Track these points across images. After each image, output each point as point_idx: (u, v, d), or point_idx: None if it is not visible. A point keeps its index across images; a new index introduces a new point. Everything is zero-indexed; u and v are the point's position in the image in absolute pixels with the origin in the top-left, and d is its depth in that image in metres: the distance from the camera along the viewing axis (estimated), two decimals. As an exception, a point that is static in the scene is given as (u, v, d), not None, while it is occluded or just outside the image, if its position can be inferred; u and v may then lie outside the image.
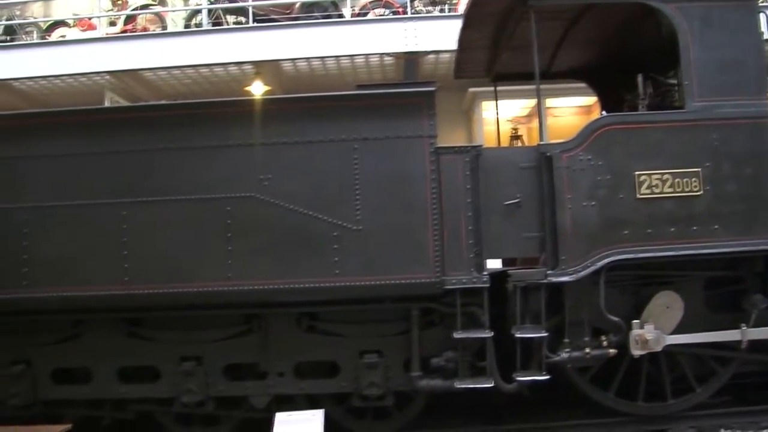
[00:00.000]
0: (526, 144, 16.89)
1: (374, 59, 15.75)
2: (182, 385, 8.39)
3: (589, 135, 8.16)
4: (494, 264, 9.00)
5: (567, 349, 8.24)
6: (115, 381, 8.54)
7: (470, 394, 8.40)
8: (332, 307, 8.29)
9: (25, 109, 14.82)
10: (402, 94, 8.25)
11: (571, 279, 8.06)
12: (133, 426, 9.07)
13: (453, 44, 10.33)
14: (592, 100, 15.67)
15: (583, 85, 11.42)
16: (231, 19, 16.51)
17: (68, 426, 7.66)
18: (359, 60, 15.77)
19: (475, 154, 8.21)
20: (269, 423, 7.56)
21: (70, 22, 17.61)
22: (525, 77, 9.98)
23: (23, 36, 17.59)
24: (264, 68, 15.49)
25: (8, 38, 17.25)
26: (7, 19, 18.00)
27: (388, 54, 15.23)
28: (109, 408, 8.73)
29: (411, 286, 7.95)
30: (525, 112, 17.71)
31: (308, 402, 8.54)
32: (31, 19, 18.30)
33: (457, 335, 8.03)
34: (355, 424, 8.77)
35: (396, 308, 8.28)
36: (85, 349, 8.54)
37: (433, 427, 8.91)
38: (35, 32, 17.62)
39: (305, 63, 15.76)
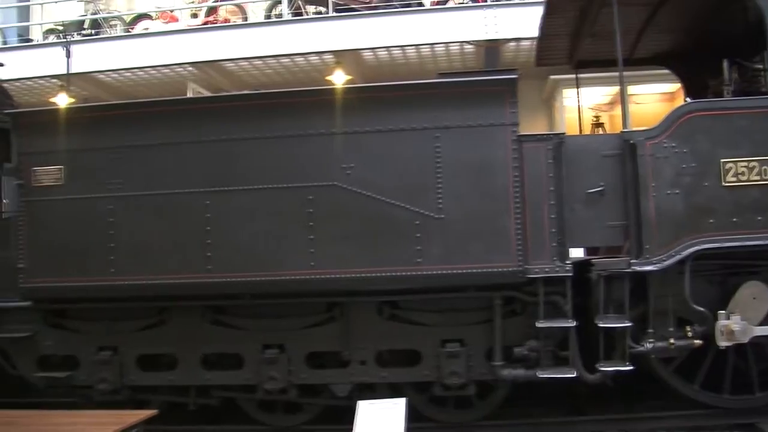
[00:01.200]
0: (608, 132, 17.06)
1: (454, 47, 16.07)
2: (265, 372, 8.84)
3: (673, 122, 8.36)
4: (577, 253, 9.32)
5: (651, 340, 8.41)
6: (199, 368, 9.06)
7: (552, 384, 8.69)
8: (414, 295, 8.64)
9: (108, 100, 15.56)
10: (484, 82, 8.55)
11: (655, 268, 8.26)
12: (217, 412, 9.59)
13: (534, 31, 10.60)
14: (675, 86, 15.75)
15: (666, 71, 11.59)
16: (311, 9, 16.98)
17: (154, 411, 8.09)
18: (439, 48, 16.11)
19: (557, 141, 8.46)
20: (351, 411, 7.93)
21: (153, 14, 18.37)
22: (607, 64, 10.16)
23: (108, 29, 18.42)
24: (344, 58, 15.91)
25: (93, 32, 18.08)
26: (92, 13, 18.82)
27: (468, 42, 15.52)
28: (193, 394, 9.27)
29: (493, 274, 8.26)
30: (607, 99, 17.86)
31: (390, 390, 8.92)
32: (116, 13, 19.12)
33: (539, 324, 8.31)
34: (436, 413, 9.12)
35: (478, 297, 8.59)
36: (170, 336, 9.07)
37: (514, 417, 9.20)
38: (119, 25, 18.43)
39: (385, 52, 16.15)
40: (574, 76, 11.61)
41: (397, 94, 8.59)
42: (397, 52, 16.15)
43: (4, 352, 9.65)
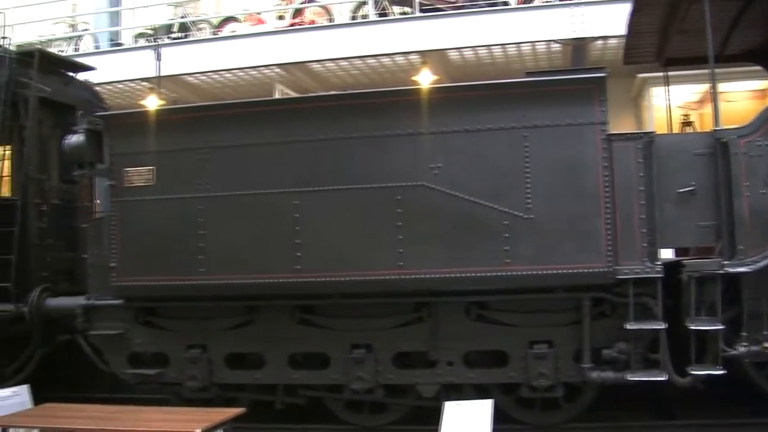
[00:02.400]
0: (698, 130, 17.02)
1: (541, 46, 16.22)
2: (352, 372, 9.14)
3: (767, 119, 8.44)
4: (667, 254, 9.42)
5: (744, 343, 8.45)
6: (286, 367, 9.41)
7: (640, 387, 8.81)
8: (502, 296, 8.82)
9: (197, 102, 16.08)
10: (572, 81, 8.71)
11: (749, 270, 8.31)
12: (304, 411, 9.92)
13: (622, 29, 10.70)
14: (766, 83, 15.68)
15: (757, 68, 11.55)
16: (397, 9, 17.28)
17: (242, 410, 8.44)
18: (525, 48, 16.26)
19: (647, 140, 8.57)
20: (437, 412, 8.16)
21: (240, 17, 18.93)
22: (697, 61, 10.21)
23: (196, 32, 19.04)
24: (430, 58, 16.14)
25: (182, 35, 18.72)
26: (181, 17, 19.48)
27: (555, 41, 15.65)
28: (280, 393, 9.62)
29: (582, 275, 8.41)
30: (696, 97, 17.79)
31: (476, 391, 9.13)
32: (203, 16, 19.75)
33: (629, 326, 8.42)
34: (523, 415, 9.28)
35: (567, 298, 8.76)
36: (258, 335, 9.45)
37: (601, 421, 9.32)
38: (207, 28, 19.04)
39: (471, 52, 16.36)
40: (662, 74, 11.65)
41: (484, 93, 8.80)
42: (483, 51, 16.34)
43: (97, 349, 10.14)
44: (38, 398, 9.58)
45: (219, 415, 7.95)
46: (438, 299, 8.96)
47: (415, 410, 9.51)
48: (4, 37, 11.99)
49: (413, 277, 8.59)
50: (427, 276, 8.57)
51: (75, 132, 10.24)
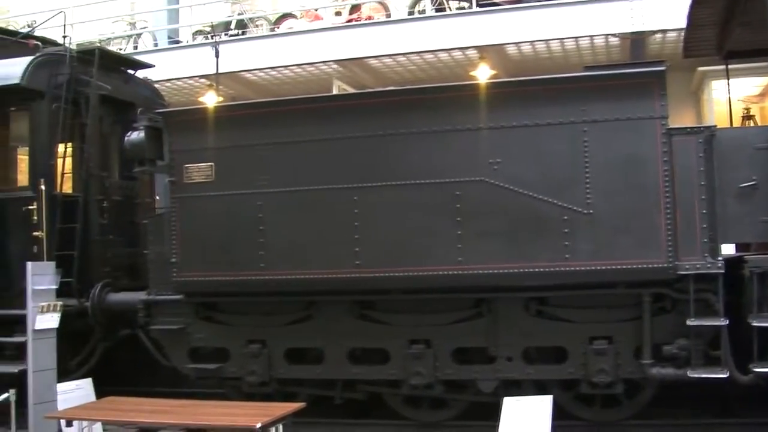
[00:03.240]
0: (759, 124, 16.87)
1: (599, 40, 16.17)
2: (411, 367, 9.26)
3: (830, 112, 8.44)
4: (728, 249, 9.38)
5: None
6: (345, 362, 9.56)
7: (701, 385, 8.72)
8: (561, 291, 8.88)
9: (255, 99, 16.27)
10: (632, 75, 8.73)
11: None
12: (363, 407, 10.10)
13: (681, 22, 10.66)
14: (828, 76, 15.51)
15: (821, 60, 11.43)
16: (454, 4, 17.35)
17: (302, 404, 8.59)
18: (584, 42, 16.22)
19: (708, 134, 8.56)
20: (496, 407, 8.28)
21: (298, 13, 19.16)
22: (758, 54, 10.23)
23: (253, 29, 19.30)
24: (488, 52, 16.19)
25: (239, 32, 18.99)
26: (238, 14, 19.75)
27: (613, 34, 15.61)
28: (339, 388, 9.79)
29: (642, 271, 8.44)
30: (757, 90, 17.61)
31: (535, 387, 9.23)
32: (261, 13, 20.01)
33: (690, 322, 8.41)
34: (582, 411, 9.36)
35: (627, 293, 8.79)
36: (317, 330, 9.62)
37: (660, 418, 9.37)
38: (264, 25, 19.29)
39: (529, 46, 16.38)
40: (723, 67, 11.58)
41: (544, 88, 8.85)
42: (541, 45, 16.35)
43: (157, 343, 10.37)
44: (100, 392, 9.88)
45: (279, 410, 8.08)
46: (497, 295, 9.03)
47: (474, 406, 9.60)
48: (64, 36, 12.28)
49: (472, 272, 8.68)
50: (487, 271, 8.66)
51: (136, 129, 10.47)
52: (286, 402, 9.05)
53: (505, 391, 9.04)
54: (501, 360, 9.16)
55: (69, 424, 9.10)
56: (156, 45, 20.17)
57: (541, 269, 8.55)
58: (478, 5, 16.22)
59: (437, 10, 17.05)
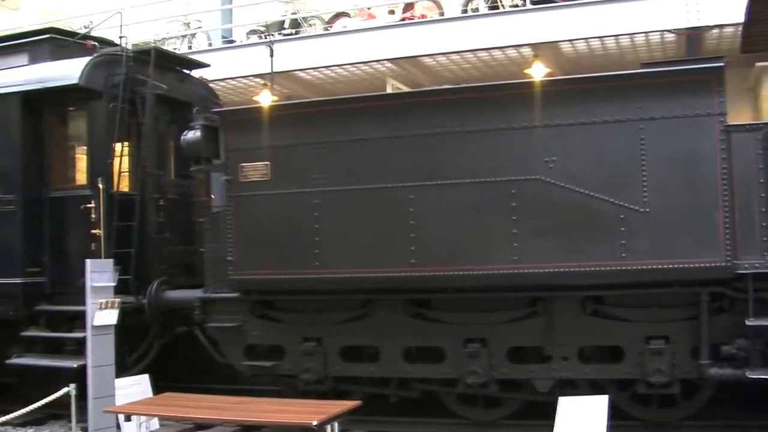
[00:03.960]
0: (818, 121, 16.62)
1: (654, 36, 16.06)
2: (466, 366, 9.31)
3: None
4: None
5: None
6: (400, 360, 9.65)
7: (760, 385, 8.62)
8: (618, 290, 8.88)
9: (309, 98, 16.47)
10: (690, 71, 8.70)
11: None
12: (417, 405, 10.14)
13: (739, 17, 10.54)
14: None
15: None
16: (507, 2, 17.35)
17: (357, 402, 8.70)
18: (639, 38, 16.11)
19: (767, 131, 8.52)
20: (552, 407, 8.32)
21: (351, 12, 19.31)
22: (819, 49, 10.03)
23: (307, 28, 19.49)
24: (542, 50, 16.17)
25: (293, 31, 19.18)
26: (292, 13, 19.96)
27: (669, 30, 15.50)
28: (394, 386, 9.89)
29: (700, 270, 8.40)
30: (817, 85, 17.40)
31: (591, 387, 9.24)
32: (315, 12, 20.19)
33: (749, 322, 8.36)
34: (639, 412, 9.33)
35: (684, 293, 8.75)
36: (372, 328, 9.71)
37: (718, 419, 9.29)
38: (318, 24, 19.46)
39: (584, 43, 16.31)
40: (782, 62, 11.46)
41: (600, 85, 8.86)
42: (595, 42, 16.28)
43: (213, 340, 10.54)
44: (157, 388, 10.10)
45: (335, 408, 8.20)
46: (553, 294, 9.07)
47: (529, 405, 9.64)
48: (121, 37, 12.49)
49: (528, 271, 8.73)
50: (542, 270, 8.70)
51: (192, 128, 10.64)
52: (340, 400, 9.20)
53: (561, 390, 9.09)
54: (557, 359, 9.18)
55: (127, 418, 9.32)
56: (210, 45, 20.41)
57: (597, 268, 8.56)
58: (532, 2, 16.19)
59: (491, 8, 17.04)
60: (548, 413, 8.46)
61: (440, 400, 9.90)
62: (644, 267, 8.47)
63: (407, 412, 10.20)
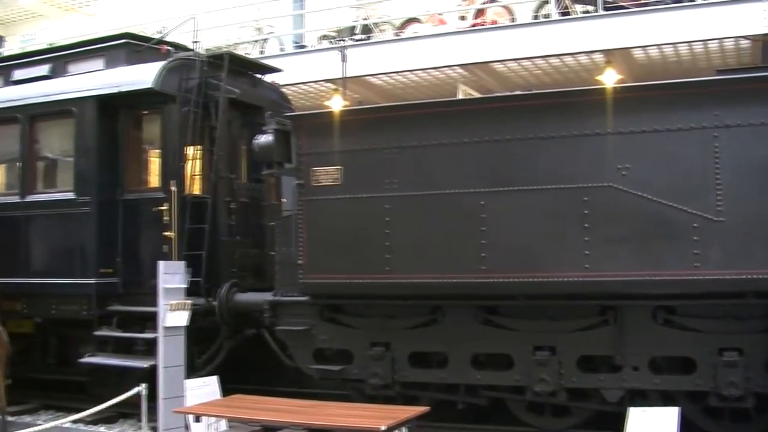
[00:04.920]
0: None
1: (729, 43, 15.91)
2: (535, 374, 9.33)
3: None
4: None
5: None
6: (469, 367, 9.70)
7: None
8: (690, 300, 8.84)
9: (380, 103, 16.63)
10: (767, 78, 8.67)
11: None
12: (485, 412, 10.20)
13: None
14: None
15: None
16: (579, 8, 17.32)
17: (426, 408, 8.78)
18: (713, 45, 15.99)
19: None
20: (621, 417, 8.31)
21: (422, 18, 19.44)
22: None
23: (378, 34, 19.66)
24: (614, 57, 16.08)
25: (365, 36, 19.37)
26: (363, 18, 20.17)
27: (744, 37, 15.35)
28: (462, 393, 9.93)
29: (776, 281, 8.32)
30: None
31: (662, 398, 9.16)
32: (386, 17, 20.37)
33: None
34: (711, 425, 9.23)
35: (759, 304, 8.67)
36: (441, 334, 9.77)
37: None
38: (389, 29, 19.63)
39: (657, 50, 16.20)
40: None
41: (674, 92, 8.85)
42: (668, 49, 16.15)
43: (282, 343, 10.70)
44: (225, 389, 10.29)
45: (403, 413, 8.29)
46: (624, 302, 9.05)
47: (598, 415, 9.62)
48: (195, 42, 12.73)
49: (599, 279, 8.74)
50: (614, 279, 8.70)
51: (264, 132, 10.82)
52: (407, 405, 9.33)
53: (631, 401, 9.04)
54: (627, 369, 9.14)
55: (197, 419, 9.50)
56: (282, 50, 20.66)
57: (670, 277, 8.53)
58: (604, 9, 16.13)
59: (562, 14, 17.03)
60: (617, 424, 8.47)
61: (508, 408, 9.93)
62: (718, 277, 8.43)
63: (474, 419, 10.24)
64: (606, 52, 15.68)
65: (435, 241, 9.34)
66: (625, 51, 15.87)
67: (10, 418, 11.21)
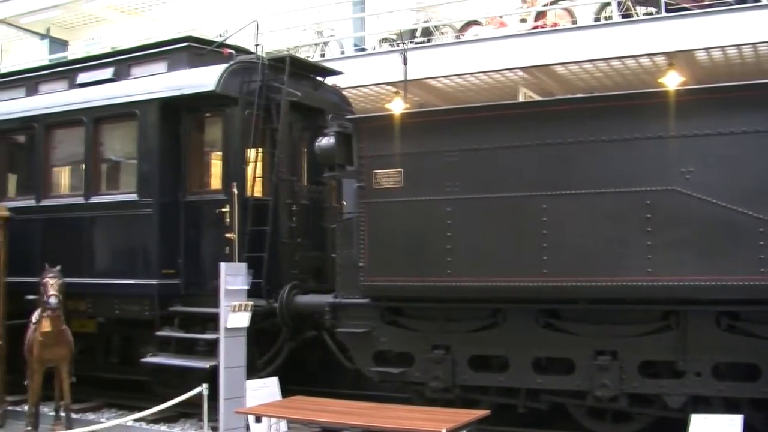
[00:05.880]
0: None
1: (794, 45, 15.86)
2: (596, 379, 9.32)
3: None
4: None
5: None
6: (529, 371, 9.73)
7: None
8: (755, 306, 8.75)
9: (440, 106, 16.73)
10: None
11: None
12: (544, 416, 10.23)
13: None
14: None
15: None
16: (641, 9, 17.29)
17: (486, 412, 8.86)
18: (777, 46, 15.94)
19: None
20: (683, 424, 8.30)
21: (483, 20, 19.53)
22: None
23: (439, 36, 19.79)
24: (677, 59, 16.04)
25: (425, 39, 19.51)
26: (424, 21, 20.31)
27: (812, 38, 15.25)
28: (522, 397, 9.96)
29: None
30: None
31: (725, 405, 9.13)
32: (446, 20, 20.50)
33: None
34: (776, 433, 9.19)
35: (826, 312, 8.59)
36: (502, 337, 9.83)
37: None
38: (450, 32, 19.76)
39: (720, 52, 16.13)
40: None
41: (738, 95, 8.81)
42: (732, 51, 16.07)
43: (342, 346, 10.83)
44: (285, 391, 10.44)
45: (465, 416, 8.37)
46: (687, 308, 9.01)
47: (660, 421, 9.60)
48: (257, 45, 12.91)
49: (662, 284, 8.72)
50: (677, 283, 8.67)
51: (325, 135, 10.96)
52: (467, 409, 9.39)
53: (693, 407, 8.99)
54: (689, 375, 9.10)
55: (258, 420, 9.65)
56: (342, 53, 20.84)
57: (734, 282, 8.48)
58: (666, 11, 16.07)
59: (624, 16, 17.00)
60: (680, 430, 8.45)
61: (568, 413, 9.95)
62: (785, 283, 8.32)
63: (534, 423, 10.30)
64: (668, 54, 15.63)
65: (496, 244, 9.42)
66: (688, 53, 15.80)
67: (74, 416, 11.47)
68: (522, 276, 9.27)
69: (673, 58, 15.91)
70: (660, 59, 16.30)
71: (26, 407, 11.63)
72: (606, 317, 9.37)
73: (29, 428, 11.20)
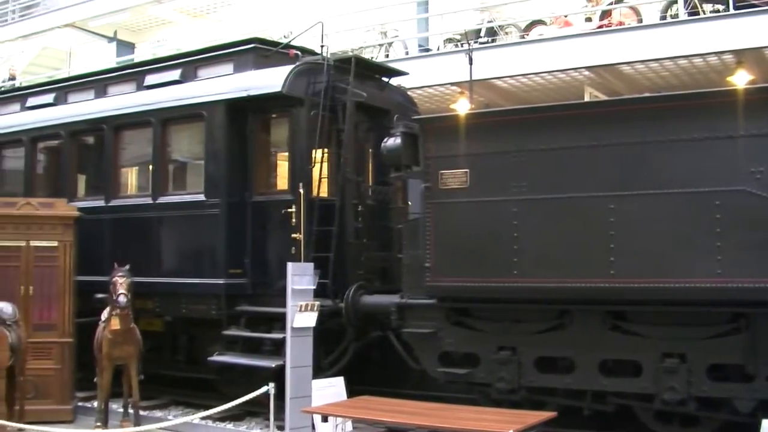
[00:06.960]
0: None
1: None
2: (664, 382, 9.29)
3: None
4: None
5: None
6: (596, 373, 9.73)
7: None
8: (827, 309, 8.71)
9: (505, 106, 16.78)
10: None
11: None
12: (612, 419, 10.24)
13: None
14: None
15: None
16: (707, 7, 17.15)
17: (553, 414, 8.91)
18: None
19: None
20: (754, 428, 8.30)
21: (548, 20, 19.55)
22: None
23: (503, 36, 19.84)
24: (746, 57, 15.90)
25: (490, 39, 19.58)
26: (488, 21, 20.40)
27: None
28: (588, 399, 9.96)
29: None
30: None
31: (795, 411, 9.06)
32: (510, 20, 20.56)
33: None
34: None
35: None
36: (568, 339, 9.85)
37: None
38: (514, 32, 19.81)
39: (790, 49, 16.00)
40: None
41: (811, 93, 8.72)
42: (803, 49, 15.91)
43: (408, 346, 10.94)
44: (350, 391, 10.59)
45: (532, 418, 8.45)
46: (757, 310, 8.94)
47: (729, 425, 9.53)
48: (322, 46, 13.07)
49: (732, 285, 8.67)
50: (747, 285, 8.62)
51: (392, 135, 11.09)
52: (533, 410, 9.42)
53: (764, 412, 8.86)
54: (760, 379, 9.02)
55: (324, 419, 9.80)
56: (407, 53, 20.96)
57: (806, 285, 8.39)
58: (734, 8, 15.92)
59: (691, 14, 16.86)
60: (750, 434, 8.38)
61: (635, 415, 9.92)
62: None
63: (601, 426, 10.29)
64: (737, 52, 15.48)
65: (563, 245, 9.46)
66: (757, 51, 15.63)
67: (142, 413, 11.75)
68: (589, 277, 9.30)
69: (742, 56, 15.75)
70: (728, 57, 16.13)
71: (96, 404, 11.98)
72: (674, 319, 9.34)
73: (98, 424, 11.50)
